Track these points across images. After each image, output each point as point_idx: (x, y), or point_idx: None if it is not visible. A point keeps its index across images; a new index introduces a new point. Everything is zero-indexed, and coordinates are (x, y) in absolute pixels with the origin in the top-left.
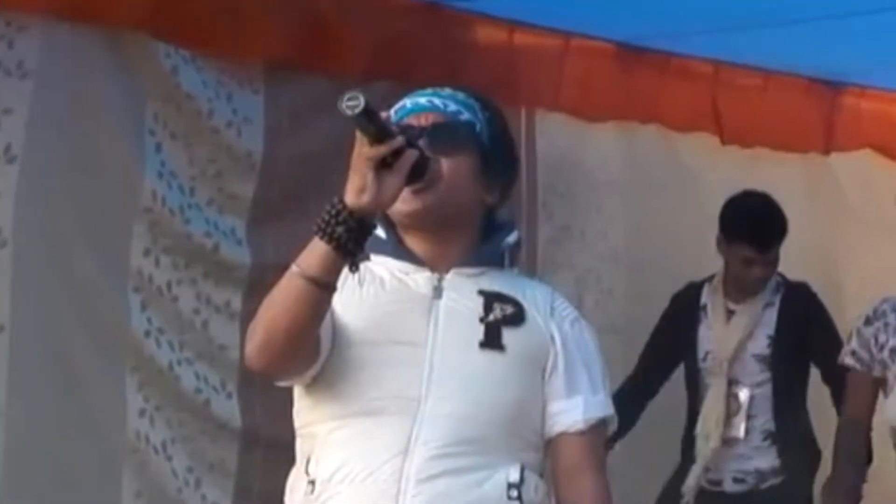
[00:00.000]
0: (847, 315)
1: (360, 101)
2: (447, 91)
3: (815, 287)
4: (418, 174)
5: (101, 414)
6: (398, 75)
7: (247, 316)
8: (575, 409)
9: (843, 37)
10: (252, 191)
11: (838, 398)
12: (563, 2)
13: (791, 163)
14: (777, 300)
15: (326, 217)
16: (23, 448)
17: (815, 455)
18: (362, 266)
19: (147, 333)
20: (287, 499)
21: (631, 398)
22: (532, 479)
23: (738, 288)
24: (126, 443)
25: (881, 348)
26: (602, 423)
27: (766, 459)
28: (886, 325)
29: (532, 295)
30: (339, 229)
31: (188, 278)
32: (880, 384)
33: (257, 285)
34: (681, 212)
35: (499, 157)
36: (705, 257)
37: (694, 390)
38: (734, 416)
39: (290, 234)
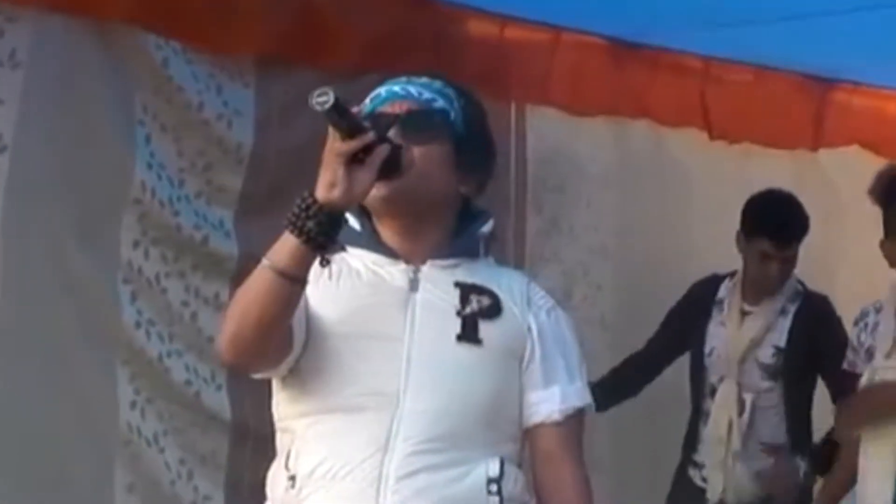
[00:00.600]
0: (836, 310)
1: (330, 97)
2: (423, 79)
3: (805, 282)
4: (392, 168)
5: (93, 406)
6: (389, 69)
7: None
8: (551, 399)
9: (834, 33)
10: (241, 183)
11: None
12: None
13: (780, 159)
14: (793, 309)
15: (297, 211)
16: (15, 441)
17: (819, 468)
18: (338, 258)
19: (137, 325)
20: (268, 491)
21: (635, 370)
22: (511, 472)
23: (756, 288)
24: (118, 435)
25: (861, 347)
26: (579, 412)
27: (760, 466)
28: (866, 325)
29: (508, 285)
30: (310, 223)
31: (177, 270)
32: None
33: (245, 277)
34: (670, 207)
35: (474, 146)
36: (695, 252)
37: (697, 384)
38: (739, 418)
39: (279, 227)
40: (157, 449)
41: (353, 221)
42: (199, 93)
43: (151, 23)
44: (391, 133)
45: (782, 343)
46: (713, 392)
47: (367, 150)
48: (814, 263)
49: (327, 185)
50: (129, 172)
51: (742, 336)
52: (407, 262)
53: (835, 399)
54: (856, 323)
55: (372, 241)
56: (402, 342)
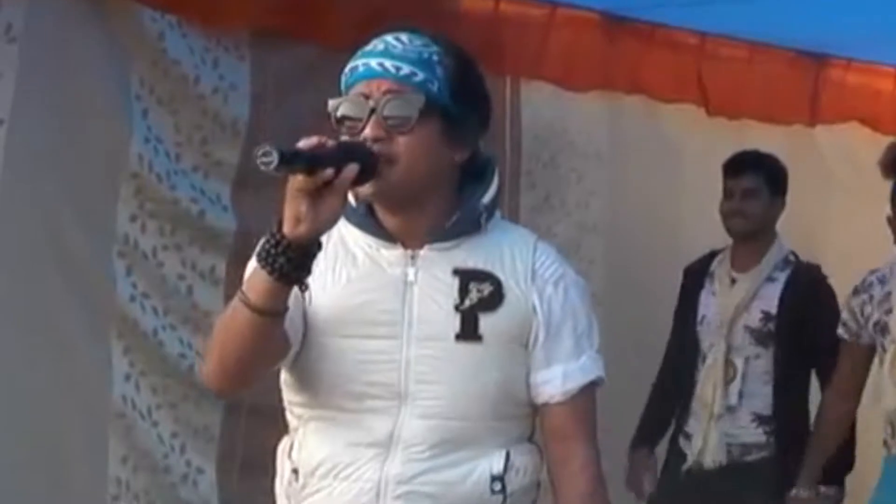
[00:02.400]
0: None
1: (274, 156)
2: (402, 42)
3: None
4: (370, 173)
5: (87, 379)
6: (391, 42)
7: (231, 282)
8: (553, 380)
9: (829, 9)
10: (237, 157)
11: (824, 382)
12: None
13: (776, 135)
14: (782, 277)
15: (267, 247)
16: (9, 413)
17: (795, 439)
18: (334, 234)
19: (132, 298)
20: (278, 469)
21: (659, 397)
22: (518, 461)
23: (735, 239)
24: (112, 408)
25: (867, 320)
26: (588, 386)
27: (752, 436)
28: (871, 297)
29: (511, 259)
30: (280, 260)
31: (174, 244)
32: (872, 352)
33: (242, 251)
34: (664, 183)
35: (462, 110)
36: (687, 228)
37: (690, 353)
38: (730, 384)
39: (275, 200)
40: (150, 422)
41: (349, 199)
42: (195, 67)
43: None
44: (370, 128)
45: (772, 309)
46: (704, 359)
47: (337, 171)
48: (808, 238)
49: (292, 220)
50: (126, 146)
51: (730, 301)
52: (404, 244)
53: (818, 368)
54: (856, 292)
55: (367, 223)
56: (400, 340)
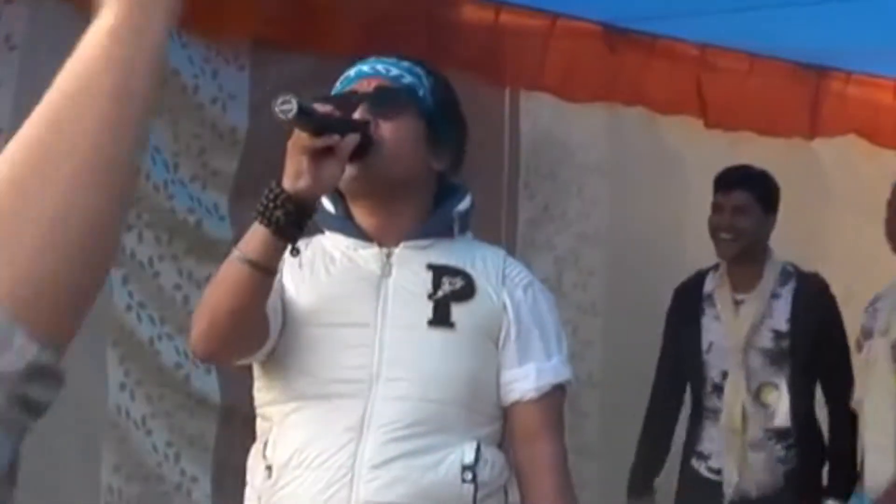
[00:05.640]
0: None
1: (293, 105)
2: (391, 59)
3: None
4: (361, 149)
5: (81, 388)
6: (384, 54)
7: None
8: (527, 377)
9: (829, 21)
10: (235, 167)
11: (829, 394)
12: None
13: (775, 147)
14: (786, 292)
15: (265, 201)
16: None
17: (823, 449)
18: (315, 242)
19: (128, 308)
20: (248, 477)
21: (655, 432)
22: (488, 456)
23: (738, 273)
24: (106, 417)
25: (864, 330)
26: (557, 388)
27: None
28: (875, 310)
29: (483, 264)
30: (278, 213)
31: (170, 254)
32: None
33: None
34: (664, 194)
35: (444, 121)
36: (687, 240)
37: (696, 381)
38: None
39: None
40: (144, 431)
41: (327, 204)
42: (195, 76)
43: None
44: (359, 112)
45: (782, 326)
46: (714, 387)
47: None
48: (806, 249)
49: (293, 175)
50: None
51: (740, 325)
52: (380, 244)
53: (825, 381)
54: (866, 311)
55: (346, 225)
56: (374, 328)
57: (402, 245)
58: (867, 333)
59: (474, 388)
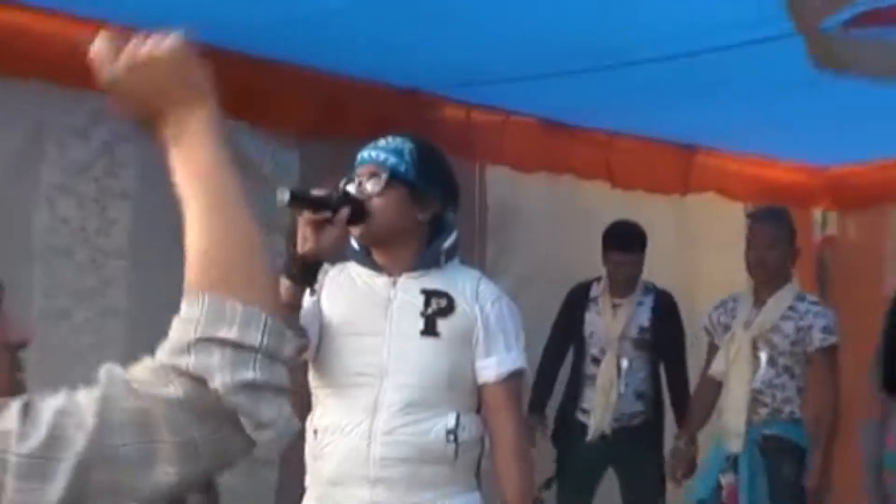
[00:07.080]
0: (698, 312)
1: (286, 194)
2: (385, 142)
3: (676, 293)
4: (360, 216)
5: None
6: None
7: None
8: (490, 366)
9: (697, 112)
10: (289, 220)
11: (669, 367)
12: (503, 89)
13: (660, 202)
14: (648, 300)
15: (287, 262)
16: None
17: (662, 407)
18: (346, 266)
19: None
20: (307, 435)
21: (545, 376)
22: (466, 421)
23: (616, 286)
24: None
25: (719, 324)
26: (515, 373)
27: (634, 407)
28: (726, 308)
29: (462, 286)
30: (294, 270)
31: None
32: (717, 349)
33: None
34: (582, 239)
35: (425, 182)
36: (592, 273)
37: (579, 355)
38: (620, 378)
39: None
40: None
41: (353, 243)
42: (259, 154)
43: (229, 109)
44: (357, 191)
45: (645, 323)
46: (594, 360)
47: (335, 213)
48: (683, 278)
49: (301, 241)
50: None
51: (618, 321)
52: (389, 274)
53: (666, 363)
54: (716, 308)
55: (365, 259)
56: (383, 337)
57: (403, 275)
58: (725, 326)
59: (453, 377)
